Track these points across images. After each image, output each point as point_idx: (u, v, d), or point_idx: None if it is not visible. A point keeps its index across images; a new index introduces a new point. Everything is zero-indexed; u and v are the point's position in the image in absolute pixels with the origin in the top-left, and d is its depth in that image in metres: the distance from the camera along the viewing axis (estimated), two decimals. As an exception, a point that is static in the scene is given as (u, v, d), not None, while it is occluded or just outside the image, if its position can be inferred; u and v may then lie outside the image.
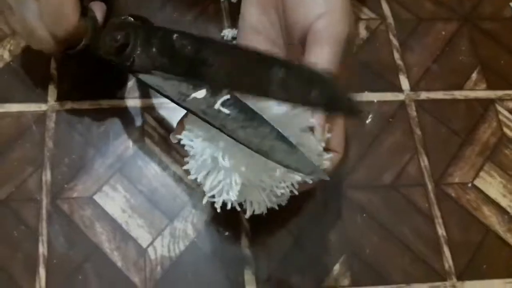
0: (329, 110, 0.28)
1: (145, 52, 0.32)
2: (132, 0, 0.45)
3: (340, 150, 0.33)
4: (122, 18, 0.35)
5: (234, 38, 0.44)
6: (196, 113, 0.30)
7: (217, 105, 0.29)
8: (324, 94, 0.27)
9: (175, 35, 0.32)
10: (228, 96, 0.29)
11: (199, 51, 0.30)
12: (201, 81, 0.30)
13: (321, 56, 0.30)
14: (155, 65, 0.32)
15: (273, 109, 0.30)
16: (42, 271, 0.36)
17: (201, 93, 0.30)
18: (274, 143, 0.28)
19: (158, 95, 0.32)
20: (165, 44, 0.32)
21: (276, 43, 0.35)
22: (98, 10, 0.36)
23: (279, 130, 0.29)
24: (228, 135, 0.29)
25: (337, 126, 0.33)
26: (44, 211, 0.38)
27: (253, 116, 0.29)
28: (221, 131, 0.29)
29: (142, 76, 0.32)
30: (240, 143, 0.28)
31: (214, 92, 0.30)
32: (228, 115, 0.29)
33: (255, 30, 0.36)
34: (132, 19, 0.35)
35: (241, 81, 0.29)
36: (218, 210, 0.31)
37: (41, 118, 0.41)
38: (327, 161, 0.31)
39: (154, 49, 0.32)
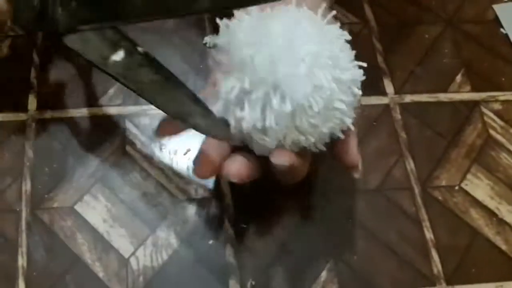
0: (256, 2, 0.27)
1: (66, 10, 0.30)
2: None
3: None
4: None
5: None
6: (117, 78, 0.29)
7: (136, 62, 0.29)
8: None
9: None
10: (142, 56, 0.29)
11: None
12: (125, 23, 0.30)
13: None
14: (79, 19, 0.30)
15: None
16: (21, 284, 0.35)
17: (119, 55, 0.29)
18: (191, 108, 0.28)
19: (141, 102, 0.32)
20: None
21: None
22: None
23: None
24: (148, 100, 0.28)
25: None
26: (23, 222, 0.37)
27: (169, 77, 0.29)
28: (140, 95, 0.29)
29: (67, 40, 0.30)
30: (158, 108, 0.28)
31: (130, 52, 0.29)
32: (146, 77, 0.29)
33: None
34: None
35: (163, 5, 0.28)
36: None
37: (21, 127, 0.40)
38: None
39: (73, 3, 0.30)
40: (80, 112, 0.41)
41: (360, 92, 0.31)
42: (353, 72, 0.31)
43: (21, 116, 0.40)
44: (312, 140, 0.30)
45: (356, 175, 0.33)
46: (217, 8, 0.28)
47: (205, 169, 0.31)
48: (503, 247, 0.39)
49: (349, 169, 0.33)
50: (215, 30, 0.45)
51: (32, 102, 0.41)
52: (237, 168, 0.29)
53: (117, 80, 0.29)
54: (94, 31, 0.30)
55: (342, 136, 0.32)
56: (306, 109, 0.29)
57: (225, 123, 0.29)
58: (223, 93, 0.29)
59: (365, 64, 0.32)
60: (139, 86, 0.28)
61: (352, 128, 0.32)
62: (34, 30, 0.33)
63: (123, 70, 0.29)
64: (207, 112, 0.28)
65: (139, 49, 0.30)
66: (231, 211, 0.38)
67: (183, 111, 0.28)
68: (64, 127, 0.40)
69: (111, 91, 0.42)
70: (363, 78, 0.32)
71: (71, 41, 0.30)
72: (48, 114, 0.41)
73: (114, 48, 0.29)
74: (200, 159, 0.31)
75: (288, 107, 0.28)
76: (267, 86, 0.29)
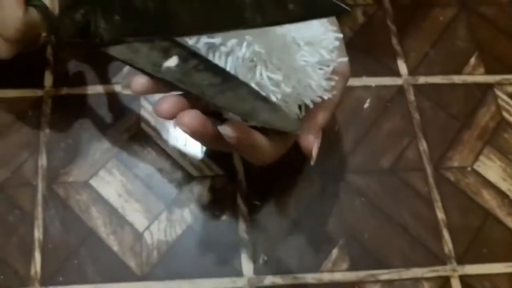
0: (311, 18, 0.26)
1: (109, 23, 0.30)
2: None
3: (346, 71, 0.32)
4: None
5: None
6: (174, 83, 0.29)
7: (190, 69, 0.28)
8: (301, 2, 0.25)
9: None
10: (197, 60, 0.29)
11: (162, 4, 0.28)
12: (173, 37, 0.29)
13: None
14: (124, 33, 0.30)
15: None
16: (37, 256, 0.36)
17: (173, 61, 0.29)
18: (255, 104, 0.28)
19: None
20: (126, 7, 0.29)
21: None
22: None
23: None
24: (209, 101, 0.28)
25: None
26: (39, 196, 0.38)
27: (229, 78, 0.28)
28: (201, 98, 0.28)
29: (112, 51, 0.30)
30: (221, 107, 0.28)
31: (185, 58, 0.29)
32: (205, 81, 0.28)
33: None
34: None
35: (212, 21, 0.27)
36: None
37: (37, 103, 0.40)
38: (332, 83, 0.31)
39: (117, 17, 0.30)
40: (96, 89, 0.41)
41: (328, 57, 0.30)
42: (322, 35, 0.31)
43: (38, 93, 0.41)
44: (274, 99, 0.29)
45: (311, 162, 0.31)
46: (268, 24, 0.27)
47: (164, 107, 0.30)
48: (515, 228, 0.39)
49: (303, 151, 0.31)
50: None
51: (48, 79, 0.41)
52: (189, 118, 0.28)
53: (174, 85, 0.29)
54: (143, 40, 0.30)
55: (311, 105, 0.31)
56: (266, 61, 0.29)
57: (293, 116, 0.29)
58: (188, 41, 0.30)
59: (341, 35, 0.31)
60: (198, 89, 0.28)
61: (320, 97, 0.30)
62: (75, 43, 0.33)
63: (179, 75, 0.29)
64: (273, 107, 0.28)
65: (194, 54, 0.29)
66: (244, 187, 0.39)
67: (247, 108, 0.28)
68: (80, 104, 0.41)
69: (126, 69, 0.42)
70: (336, 44, 0.31)
71: (117, 51, 0.30)
72: (64, 91, 0.41)
73: (166, 55, 0.29)
74: (163, 100, 0.30)
75: (245, 53, 0.28)
76: (235, 39, 0.29)
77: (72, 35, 0.31)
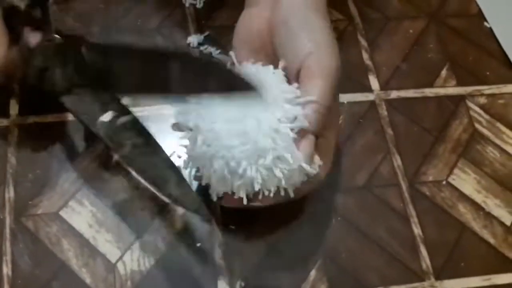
0: (228, 94, 0.30)
1: (64, 73, 0.33)
2: (96, 8, 0.44)
3: (328, 162, 0.34)
4: (48, 39, 0.34)
5: (200, 44, 0.44)
6: (103, 139, 0.32)
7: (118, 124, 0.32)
8: (222, 81, 0.29)
9: (83, 49, 0.32)
10: (128, 118, 0.32)
11: (105, 60, 0.32)
12: (111, 93, 0.33)
13: (315, 89, 0.33)
14: (74, 83, 0.33)
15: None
16: (6, 293, 0.35)
17: (107, 116, 0.32)
18: (165, 173, 0.30)
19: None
20: (78, 60, 0.33)
21: None
22: (33, 37, 0.34)
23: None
24: (128, 165, 0.32)
25: (329, 133, 0.34)
26: (7, 230, 0.36)
27: (150, 141, 0.31)
28: (122, 159, 0.32)
29: (65, 100, 0.33)
30: (135, 171, 0.31)
31: (118, 114, 0.32)
32: (129, 140, 0.31)
33: None
34: (59, 37, 0.34)
35: (142, 86, 0.31)
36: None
37: (3, 133, 0.39)
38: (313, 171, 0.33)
39: (70, 68, 0.33)
40: (63, 117, 0.40)
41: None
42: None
43: (3, 122, 0.40)
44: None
45: None
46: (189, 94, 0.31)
47: None
48: (491, 240, 0.39)
49: None
50: (199, 29, 0.45)
51: (14, 107, 0.40)
52: None
53: (103, 140, 0.32)
54: (89, 93, 0.33)
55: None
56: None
57: (197, 195, 0.32)
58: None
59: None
60: (123, 151, 0.31)
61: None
62: (36, 88, 0.36)
63: (110, 132, 0.31)
64: (182, 181, 0.31)
65: (127, 111, 0.32)
66: (218, 212, 0.38)
67: (159, 176, 0.30)
68: (47, 132, 0.40)
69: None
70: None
71: (67, 101, 0.33)
72: (31, 119, 0.40)
73: (104, 109, 0.32)
74: None
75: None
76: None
77: (33, 78, 0.34)
